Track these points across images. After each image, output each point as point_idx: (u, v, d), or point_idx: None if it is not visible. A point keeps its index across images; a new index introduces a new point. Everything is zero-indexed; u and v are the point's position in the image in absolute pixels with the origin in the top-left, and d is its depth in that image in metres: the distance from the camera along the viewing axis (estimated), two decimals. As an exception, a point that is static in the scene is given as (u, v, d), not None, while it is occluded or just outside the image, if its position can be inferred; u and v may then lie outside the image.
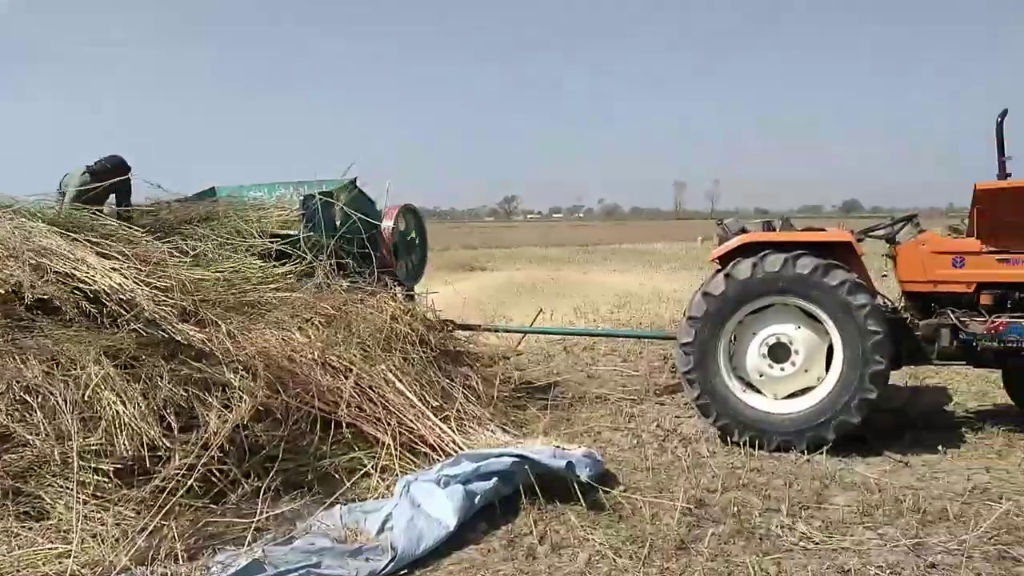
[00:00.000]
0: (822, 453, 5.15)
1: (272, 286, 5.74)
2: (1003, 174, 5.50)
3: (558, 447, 4.69)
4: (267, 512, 3.99)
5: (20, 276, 4.59)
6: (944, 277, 5.45)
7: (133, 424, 4.01)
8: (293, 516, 4.09)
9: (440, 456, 4.68)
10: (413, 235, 7.55)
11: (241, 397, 4.39)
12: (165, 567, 3.46)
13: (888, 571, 3.51)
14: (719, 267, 5.53)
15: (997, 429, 5.62)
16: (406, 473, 4.47)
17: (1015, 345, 5.26)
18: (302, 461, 4.57)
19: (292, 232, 6.28)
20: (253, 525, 3.85)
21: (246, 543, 3.67)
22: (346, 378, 4.95)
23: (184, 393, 4.35)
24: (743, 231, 5.71)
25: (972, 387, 7.08)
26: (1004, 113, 5.49)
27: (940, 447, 5.29)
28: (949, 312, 5.39)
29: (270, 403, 4.55)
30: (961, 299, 5.45)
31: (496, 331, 7.79)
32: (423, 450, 4.80)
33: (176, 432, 4.14)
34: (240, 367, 4.59)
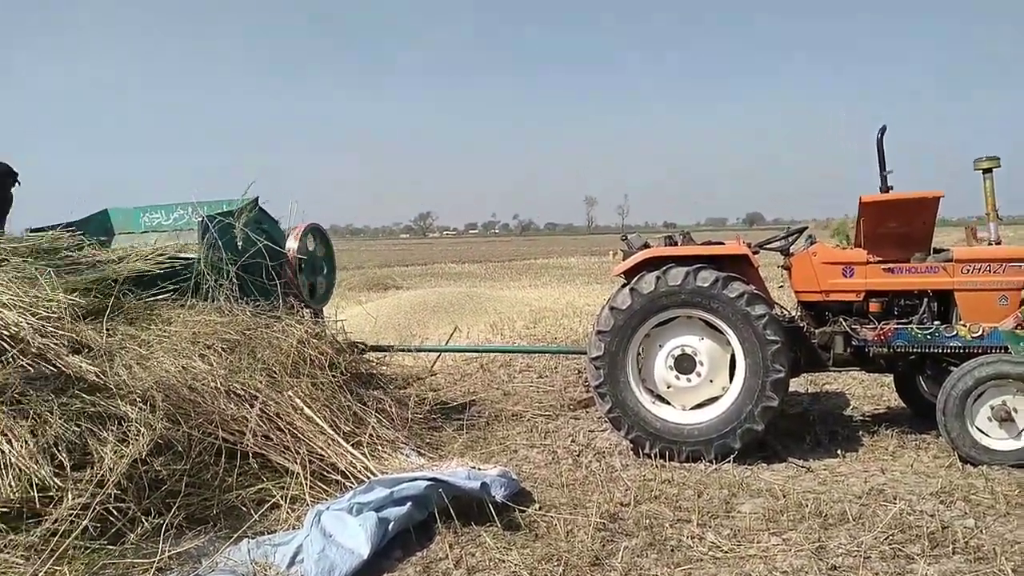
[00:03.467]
0: (730, 461, 5.30)
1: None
2: (885, 187, 5.80)
3: (473, 468, 4.66)
4: (169, 551, 3.81)
5: None
6: (835, 286, 5.70)
7: (20, 464, 3.79)
8: (198, 553, 3.91)
9: (352, 483, 4.58)
10: (320, 255, 7.41)
11: (138, 430, 4.19)
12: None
13: None
14: (624, 281, 5.64)
15: (891, 431, 5.90)
16: (317, 502, 4.34)
17: (903, 350, 5.57)
18: (206, 495, 4.38)
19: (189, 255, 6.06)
20: (155, 565, 3.68)
21: (147, 583, 3.51)
22: (251, 406, 4.78)
23: (76, 428, 4.12)
24: (646, 246, 5.83)
25: (868, 391, 7.44)
26: (883, 130, 5.80)
27: (839, 451, 5.53)
28: (842, 320, 5.65)
29: (170, 435, 4.36)
30: (852, 307, 5.72)
31: (409, 351, 7.72)
32: (335, 478, 4.68)
33: (69, 470, 3.91)
34: (137, 398, 4.39)
